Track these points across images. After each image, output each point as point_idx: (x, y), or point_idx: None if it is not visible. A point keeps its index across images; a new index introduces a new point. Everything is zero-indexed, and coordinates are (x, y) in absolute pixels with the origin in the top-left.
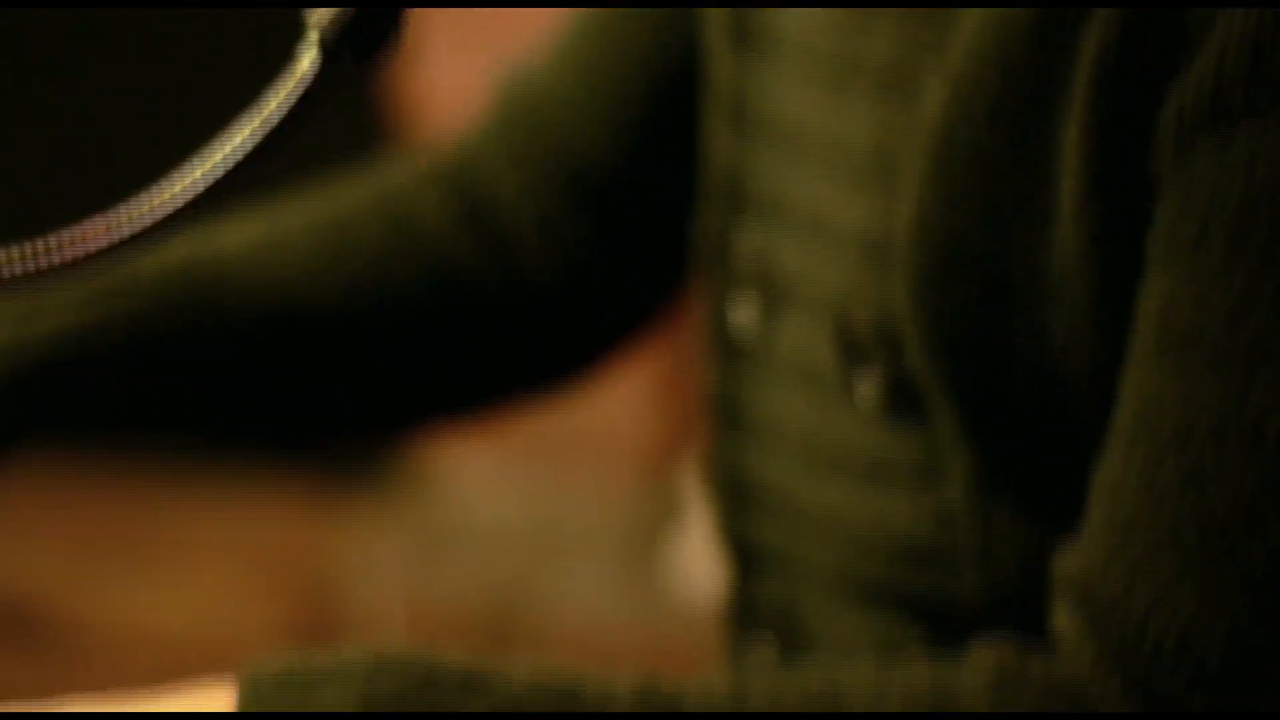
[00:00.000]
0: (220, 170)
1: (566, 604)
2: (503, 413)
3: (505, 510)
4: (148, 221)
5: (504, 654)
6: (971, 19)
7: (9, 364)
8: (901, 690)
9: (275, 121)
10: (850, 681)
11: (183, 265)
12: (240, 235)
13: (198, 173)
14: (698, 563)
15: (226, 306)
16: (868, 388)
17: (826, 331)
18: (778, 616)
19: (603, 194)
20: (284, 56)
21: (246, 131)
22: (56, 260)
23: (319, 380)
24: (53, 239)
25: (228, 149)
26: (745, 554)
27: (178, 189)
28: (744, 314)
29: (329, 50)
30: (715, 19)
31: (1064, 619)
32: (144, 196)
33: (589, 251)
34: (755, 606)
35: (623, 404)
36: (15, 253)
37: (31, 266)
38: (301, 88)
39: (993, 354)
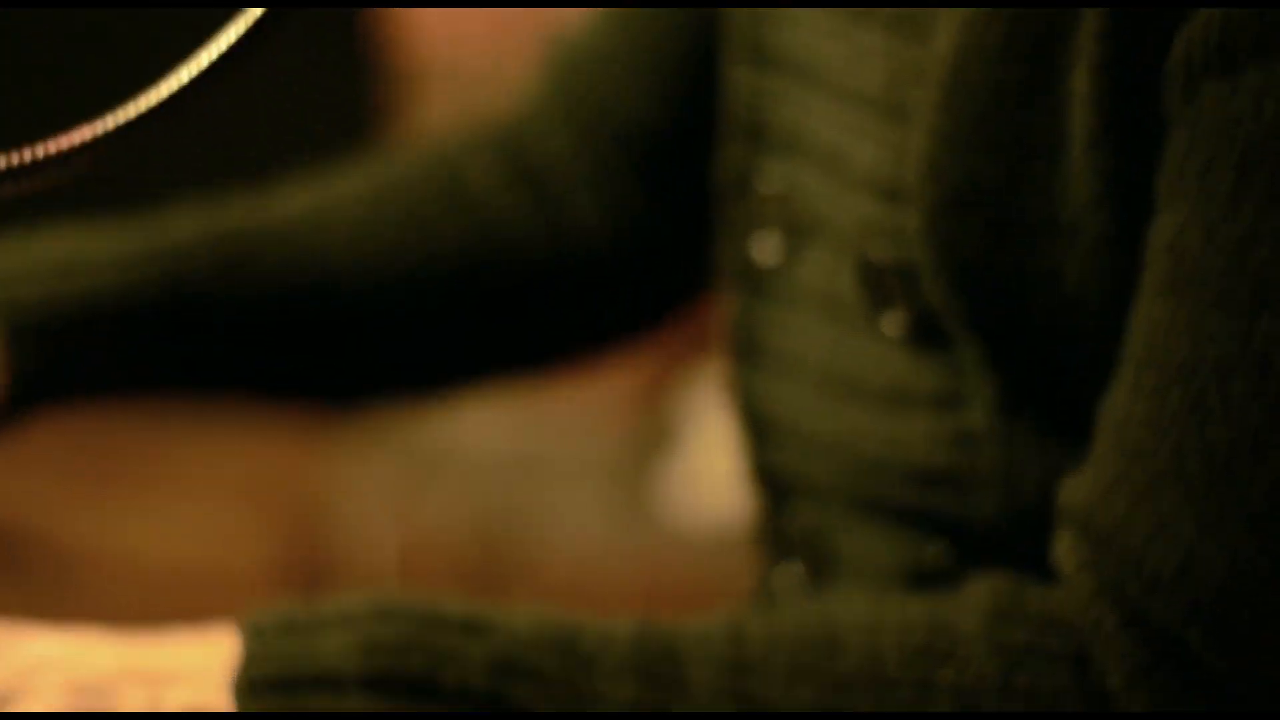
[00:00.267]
0: (191, 81)
1: (557, 531)
2: (547, 375)
3: (495, 438)
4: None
5: (496, 581)
6: None
7: (43, 319)
8: (898, 628)
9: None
10: (847, 621)
11: (228, 230)
12: (288, 202)
13: (172, 84)
14: (688, 489)
15: (269, 272)
16: (892, 321)
17: (848, 266)
18: (805, 544)
19: (649, 151)
20: None
21: (213, 50)
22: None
23: (362, 345)
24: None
25: (195, 65)
26: (771, 483)
27: (157, 95)
28: (766, 249)
29: None
30: None
31: (1064, 548)
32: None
33: (639, 209)
34: (783, 535)
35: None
36: None
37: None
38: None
39: (1007, 289)
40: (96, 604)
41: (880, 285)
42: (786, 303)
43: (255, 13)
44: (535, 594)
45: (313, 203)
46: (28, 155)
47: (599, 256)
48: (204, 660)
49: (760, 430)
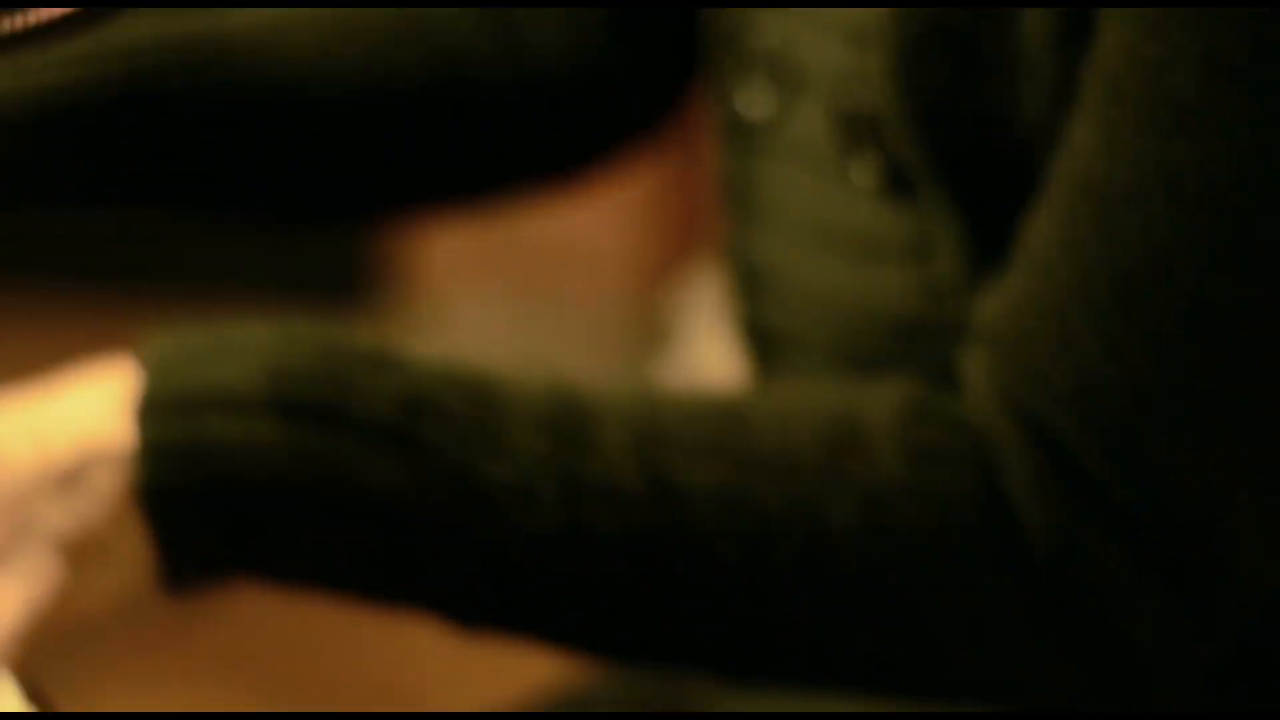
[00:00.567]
0: None
1: None
2: (499, 207)
3: (494, 335)
4: None
5: None
6: None
7: None
8: (811, 417)
9: None
10: (762, 406)
11: (187, 37)
12: (250, 15)
13: None
14: (685, 383)
15: (228, 77)
16: (863, 170)
17: (827, 116)
18: None
19: None
20: None
21: None
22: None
23: (315, 159)
24: None
25: None
26: (760, 340)
27: None
28: (755, 101)
29: None
30: None
31: (972, 359)
32: None
33: (602, 40)
34: None
35: (609, 226)
36: None
37: None
38: None
39: (970, 133)
40: None
41: (851, 133)
42: (774, 157)
43: None
44: None
45: (275, 18)
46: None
47: (562, 85)
48: (97, 398)
49: (751, 285)
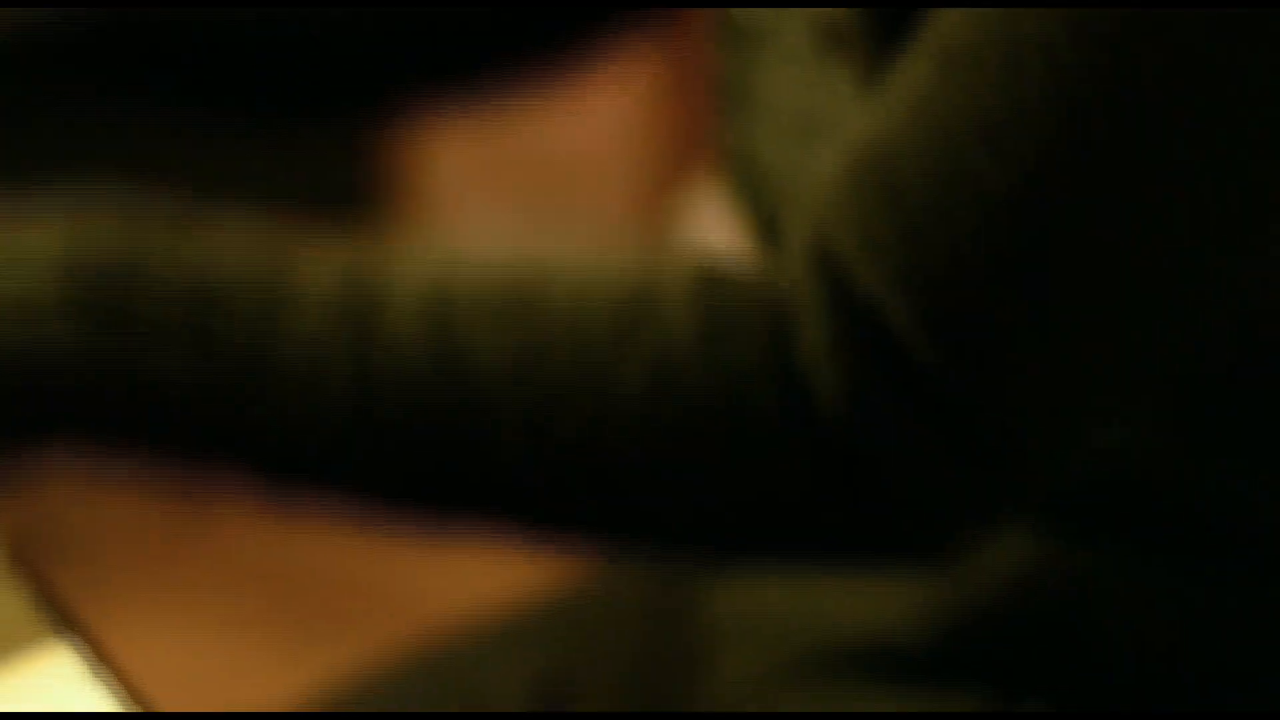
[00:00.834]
0: None
1: None
2: (498, 101)
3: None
4: None
5: None
6: None
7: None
8: (606, 284)
9: None
10: (562, 281)
11: None
12: None
13: None
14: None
15: None
16: (845, 69)
17: (812, 18)
18: None
19: None
20: None
21: None
22: None
23: (307, 39)
24: None
25: None
26: (762, 233)
27: None
28: (751, 13)
29: None
30: None
31: (797, 214)
32: None
33: None
34: None
35: (613, 136)
36: None
37: None
38: None
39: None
40: None
41: (832, 33)
42: (767, 54)
43: None
44: None
45: None
46: None
47: None
48: None
49: (747, 178)
